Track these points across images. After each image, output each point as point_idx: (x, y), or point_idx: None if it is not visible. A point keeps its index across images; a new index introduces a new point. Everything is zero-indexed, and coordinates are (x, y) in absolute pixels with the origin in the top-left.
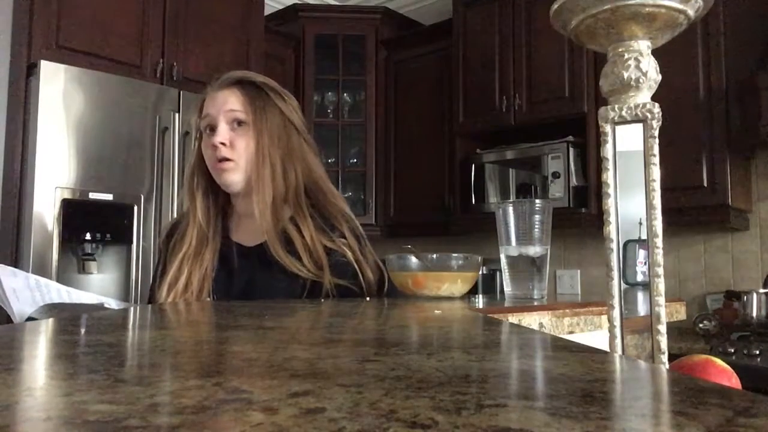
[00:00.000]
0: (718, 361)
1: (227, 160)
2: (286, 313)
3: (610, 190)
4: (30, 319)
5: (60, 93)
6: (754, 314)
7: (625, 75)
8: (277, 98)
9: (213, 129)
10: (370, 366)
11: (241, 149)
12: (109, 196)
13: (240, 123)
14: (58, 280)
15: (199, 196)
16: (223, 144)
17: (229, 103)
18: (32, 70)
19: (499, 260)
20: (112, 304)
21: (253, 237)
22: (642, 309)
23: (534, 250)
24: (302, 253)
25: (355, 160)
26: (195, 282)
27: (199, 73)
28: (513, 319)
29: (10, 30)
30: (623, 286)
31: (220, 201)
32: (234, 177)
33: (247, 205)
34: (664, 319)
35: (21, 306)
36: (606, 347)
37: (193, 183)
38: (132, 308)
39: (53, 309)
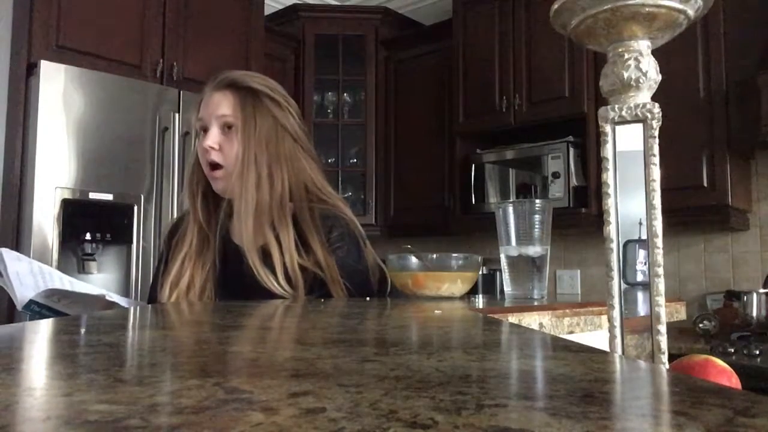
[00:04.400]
0: (718, 361)
1: (218, 167)
2: (285, 313)
3: (610, 190)
4: (31, 302)
5: (60, 93)
6: (754, 314)
7: (625, 75)
8: (271, 103)
9: (206, 131)
10: (370, 366)
11: (230, 153)
12: (109, 196)
13: (230, 127)
14: None
15: (200, 196)
16: (212, 148)
17: (220, 107)
18: (32, 70)
19: (499, 260)
20: (114, 296)
21: None
22: (642, 309)
23: (534, 250)
24: (278, 270)
25: (355, 160)
26: (197, 282)
27: (199, 73)
28: (513, 319)
29: (10, 30)
30: (623, 286)
31: (220, 201)
32: (225, 185)
33: None
34: (664, 319)
35: (24, 290)
36: (606, 347)
37: (193, 183)
38: (132, 308)
39: (55, 294)
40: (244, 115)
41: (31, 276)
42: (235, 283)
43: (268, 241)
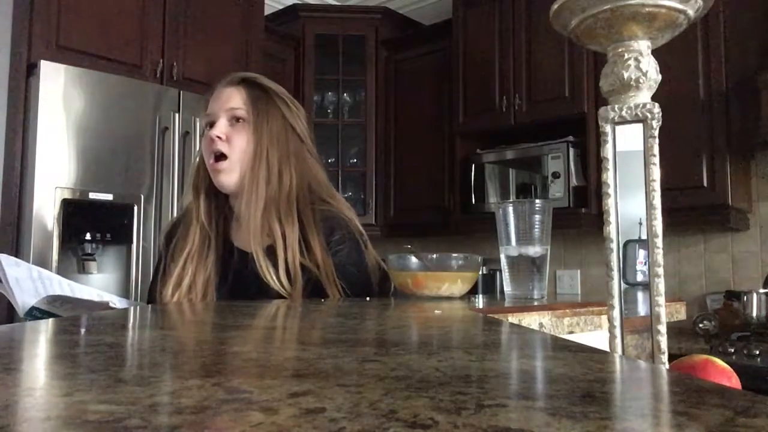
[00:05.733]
0: (718, 361)
1: (222, 157)
2: (285, 313)
3: (610, 190)
4: (33, 309)
5: (60, 93)
6: (754, 314)
7: (625, 75)
8: (281, 103)
9: (213, 125)
10: (370, 366)
11: (238, 146)
12: (109, 196)
13: (239, 120)
14: None
15: (202, 196)
16: (219, 138)
17: (231, 100)
18: (32, 70)
19: (499, 260)
20: (116, 302)
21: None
22: (642, 309)
23: (534, 250)
24: (280, 265)
25: (355, 160)
26: (199, 284)
27: (199, 73)
28: (513, 319)
29: (10, 30)
30: (623, 286)
31: (222, 203)
32: (229, 178)
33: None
34: (664, 319)
35: (24, 296)
36: (606, 347)
37: (197, 182)
38: (133, 308)
39: (57, 300)
40: (257, 110)
41: (30, 281)
42: (236, 283)
43: (274, 236)
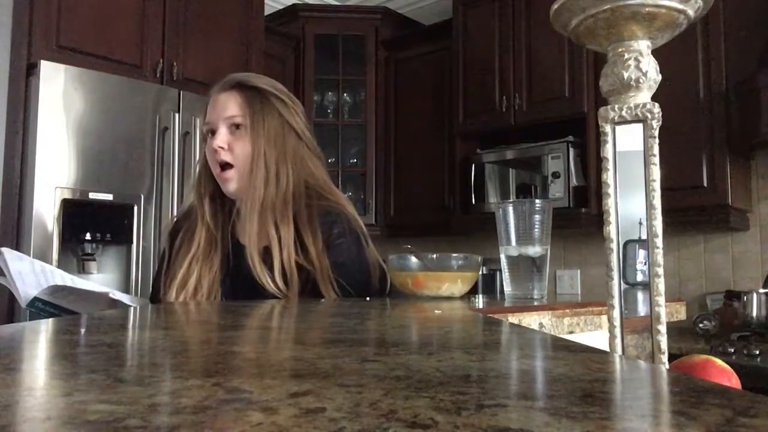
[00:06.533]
0: (718, 361)
1: (228, 167)
2: (285, 313)
3: (610, 190)
4: (35, 299)
5: (60, 93)
6: (754, 314)
7: (625, 75)
8: (277, 101)
9: (214, 134)
10: (370, 366)
11: (240, 153)
12: (109, 196)
13: (238, 126)
14: None
15: (207, 200)
16: (222, 148)
17: (227, 108)
18: (32, 70)
19: (499, 260)
20: (117, 294)
21: None
22: (642, 309)
23: (534, 250)
24: (276, 268)
25: (355, 160)
26: (205, 285)
27: (199, 73)
28: (513, 319)
29: (10, 30)
30: (623, 286)
31: (227, 203)
32: (236, 185)
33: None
34: (664, 319)
35: (26, 288)
36: (606, 347)
37: (201, 187)
38: (133, 307)
39: (60, 291)
40: (253, 114)
41: (33, 275)
42: (240, 283)
43: (270, 239)
